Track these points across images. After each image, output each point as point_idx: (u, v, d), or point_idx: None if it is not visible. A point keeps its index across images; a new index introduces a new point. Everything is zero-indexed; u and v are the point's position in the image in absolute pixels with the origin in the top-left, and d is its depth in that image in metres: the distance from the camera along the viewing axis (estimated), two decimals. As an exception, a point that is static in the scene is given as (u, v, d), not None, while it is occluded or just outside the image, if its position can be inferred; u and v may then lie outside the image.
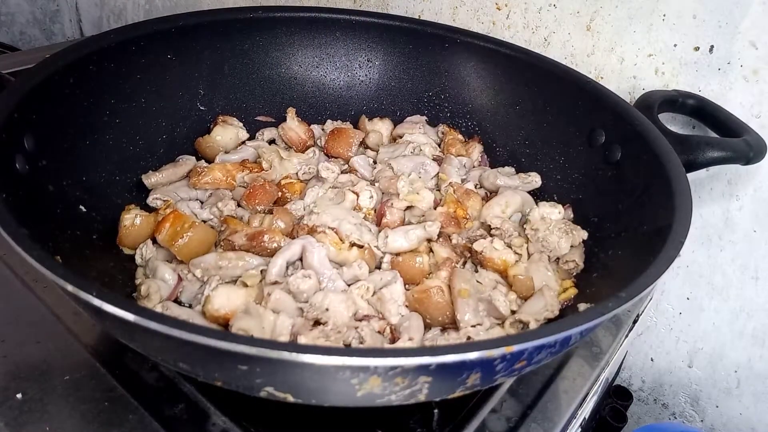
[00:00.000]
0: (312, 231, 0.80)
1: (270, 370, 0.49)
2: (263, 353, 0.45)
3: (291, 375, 0.50)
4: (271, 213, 0.83)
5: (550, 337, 0.51)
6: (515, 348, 0.49)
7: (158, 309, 0.70)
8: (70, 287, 0.49)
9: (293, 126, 1.03)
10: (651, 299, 1.02)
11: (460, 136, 1.04)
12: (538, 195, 0.95)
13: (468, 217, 0.88)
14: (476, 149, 1.02)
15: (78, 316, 0.75)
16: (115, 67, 0.87)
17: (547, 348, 0.54)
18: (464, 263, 0.83)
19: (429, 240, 0.83)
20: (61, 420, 0.64)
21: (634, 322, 0.91)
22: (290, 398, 0.52)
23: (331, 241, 0.78)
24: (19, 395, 0.65)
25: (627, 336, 0.89)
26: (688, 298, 1.07)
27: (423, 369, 0.48)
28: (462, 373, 0.52)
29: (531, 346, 0.50)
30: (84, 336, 0.73)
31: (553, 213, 0.85)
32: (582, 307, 0.71)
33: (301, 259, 0.77)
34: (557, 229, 0.81)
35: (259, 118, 1.07)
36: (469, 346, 0.49)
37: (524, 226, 0.84)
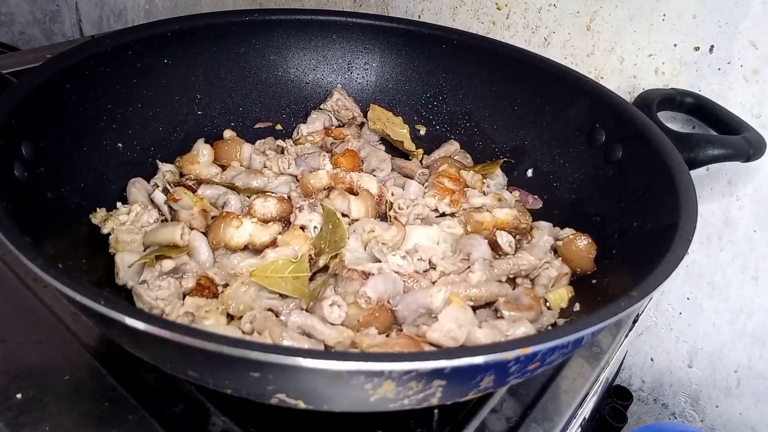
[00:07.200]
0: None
1: (283, 377, 0.48)
2: (277, 360, 0.44)
3: (304, 381, 0.49)
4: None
5: (564, 338, 0.51)
6: (531, 350, 0.49)
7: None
8: (78, 296, 0.48)
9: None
10: (651, 299, 1.01)
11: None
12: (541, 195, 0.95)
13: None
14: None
15: (78, 316, 0.75)
16: (111, 71, 0.86)
17: (560, 349, 0.54)
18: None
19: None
20: (61, 420, 0.63)
21: (634, 322, 0.91)
22: (302, 404, 0.52)
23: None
24: (19, 395, 0.65)
25: (627, 336, 0.89)
26: (688, 298, 1.07)
27: (438, 373, 0.48)
28: (476, 376, 0.51)
29: (546, 347, 0.50)
30: (84, 336, 0.73)
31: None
32: (578, 307, 0.72)
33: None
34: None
35: (259, 125, 1.06)
36: (484, 348, 0.49)
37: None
